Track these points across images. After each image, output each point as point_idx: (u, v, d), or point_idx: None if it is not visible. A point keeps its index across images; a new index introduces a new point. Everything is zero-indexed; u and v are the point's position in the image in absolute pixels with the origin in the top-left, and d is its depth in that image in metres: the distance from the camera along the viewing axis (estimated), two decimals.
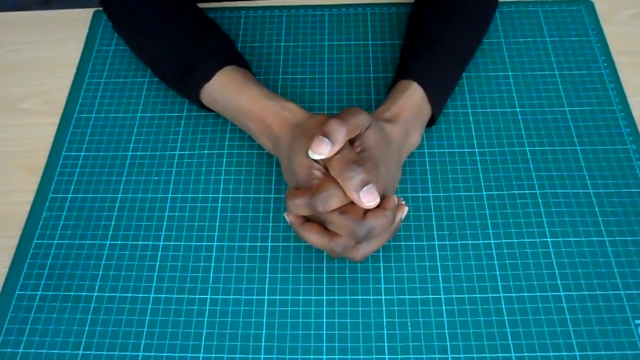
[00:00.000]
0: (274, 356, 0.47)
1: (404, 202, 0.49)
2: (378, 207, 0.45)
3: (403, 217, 0.48)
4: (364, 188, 0.43)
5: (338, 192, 0.44)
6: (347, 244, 0.45)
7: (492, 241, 0.51)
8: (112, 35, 0.68)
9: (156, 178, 0.57)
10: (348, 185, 0.43)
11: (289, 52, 0.65)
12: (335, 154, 0.45)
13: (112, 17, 0.64)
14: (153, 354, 0.47)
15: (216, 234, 0.53)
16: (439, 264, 0.51)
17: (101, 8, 0.65)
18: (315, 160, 0.46)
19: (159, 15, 0.59)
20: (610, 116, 0.59)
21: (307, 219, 0.47)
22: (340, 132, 0.44)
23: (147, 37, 0.59)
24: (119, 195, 0.55)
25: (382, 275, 0.50)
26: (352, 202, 0.45)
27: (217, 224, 0.54)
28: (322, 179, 0.46)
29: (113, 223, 0.54)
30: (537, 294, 0.49)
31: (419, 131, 0.53)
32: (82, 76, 0.64)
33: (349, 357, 0.46)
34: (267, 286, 0.50)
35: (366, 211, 0.45)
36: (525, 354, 0.46)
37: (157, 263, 0.52)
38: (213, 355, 0.47)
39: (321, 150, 0.44)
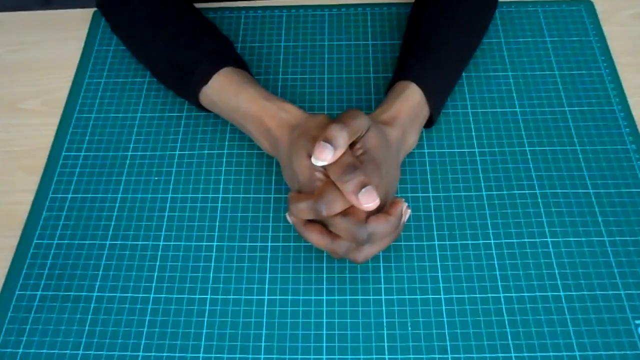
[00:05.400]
0: (274, 356, 0.47)
1: (406, 205, 0.48)
2: (383, 211, 0.45)
3: (405, 220, 0.48)
4: (363, 190, 0.43)
5: (341, 195, 0.44)
6: (349, 246, 0.45)
7: (492, 241, 0.51)
8: (112, 35, 0.68)
9: (156, 178, 0.57)
10: (346, 188, 0.43)
11: (289, 52, 0.65)
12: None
13: (109, 20, 0.64)
14: (153, 354, 0.47)
15: (216, 234, 0.53)
16: (439, 264, 0.51)
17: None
18: None
19: (156, 18, 0.59)
20: (610, 116, 0.59)
21: (309, 220, 0.47)
22: (342, 137, 0.44)
23: (143, 40, 0.59)
24: (119, 195, 0.56)
25: (382, 275, 0.50)
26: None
27: (217, 224, 0.54)
28: (324, 181, 0.46)
29: (113, 223, 0.54)
30: (537, 294, 0.49)
31: (417, 132, 0.53)
32: (82, 76, 0.64)
33: (349, 357, 0.46)
34: (267, 286, 0.50)
35: (369, 214, 0.45)
36: (525, 354, 0.46)
37: (157, 263, 0.52)
38: (213, 355, 0.47)
39: (324, 157, 0.44)
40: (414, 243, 0.52)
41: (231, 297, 0.50)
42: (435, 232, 0.52)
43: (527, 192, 0.54)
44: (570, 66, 0.63)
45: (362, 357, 0.46)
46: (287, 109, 0.51)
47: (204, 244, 0.52)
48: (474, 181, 0.55)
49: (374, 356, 0.46)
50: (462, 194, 0.54)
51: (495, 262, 0.50)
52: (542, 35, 0.65)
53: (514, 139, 0.58)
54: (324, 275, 0.51)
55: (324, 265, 0.51)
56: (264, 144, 0.53)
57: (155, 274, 0.51)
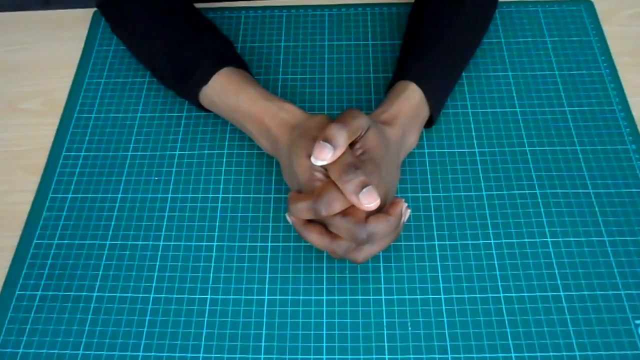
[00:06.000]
0: (274, 356, 0.47)
1: (406, 205, 0.48)
2: (383, 211, 0.45)
3: (405, 220, 0.48)
4: (364, 190, 0.43)
5: (341, 196, 0.44)
6: (348, 246, 0.45)
7: (492, 241, 0.51)
8: (112, 35, 0.68)
9: (156, 178, 0.57)
10: (347, 188, 0.43)
11: (289, 52, 0.65)
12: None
13: (109, 20, 0.64)
14: (153, 354, 0.47)
15: (216, 234, 0.53)
16: (439, 264, 0.51)
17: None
18: None
19: (156, 18, 0.59)
20: (610, 116, 0.59)
21: (309, 220, 0.47)
22: (342, 136, 0.44)
23: (144, 40, 0.59)
24: (119, 195, 0.56)
25: (382, 275, 0.50)
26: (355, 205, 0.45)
27: (217, 224, 0.54)
28: (324, 181, 0.46)
29: (113, 223, 0.54)
30: (537, 294, 0.49)
31: (417, 132, 0.53)
32: (82, 76, 0.64)
33: (349, 357, 0.46)
34: (267, 286, 0.50)
35: (369, 214, 0.45)
36: (525, 354, 0.46)
37: (157, 263, 0.52)
38: (213, 355, 0.47)
39: (324, 156, 0.44)
40: (414, 243, 0.52)
41: (231, 297, 0.50)
42: (435, 232, 0.52)
43: (527, 192, 0.54)
44: (570, 66, 0.63)
45: (362, 357, 0.46)
46: (287, 109, 0.51)
47: (204, 244, 0.52)
48: (474, 181, 0.55)
49: (374, 356, 0.46)
50: (462, 194, 0.54)
51: (495, 262, 0.50)
52: (542, 35, 0.65)
53: (514, 139, 0.58)
54: (324, 275, 0.51)
55: (324, 265, 0.51)
56: (264, 144, 0.53)
57: (155, 274, 0.51)
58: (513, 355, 0.46)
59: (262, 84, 0.63)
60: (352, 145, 0.47)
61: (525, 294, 0.49)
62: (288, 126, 0.50)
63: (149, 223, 0.54)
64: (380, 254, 0.51)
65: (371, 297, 0.49)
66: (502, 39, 0.65)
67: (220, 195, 0.55)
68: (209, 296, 0.50)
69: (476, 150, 0.57)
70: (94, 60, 0.66)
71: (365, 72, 0.63)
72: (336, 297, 0.49)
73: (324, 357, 0.47)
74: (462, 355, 0.46)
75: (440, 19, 0.58)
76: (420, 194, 0.54)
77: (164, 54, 0.57)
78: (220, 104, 0.54)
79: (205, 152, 0.58)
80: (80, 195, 0.56)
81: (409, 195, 0.54)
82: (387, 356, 0.46)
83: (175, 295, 0.50)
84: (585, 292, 0.49)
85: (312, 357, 0.47)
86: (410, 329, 0.47)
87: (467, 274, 0.50)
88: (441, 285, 0.49)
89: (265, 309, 0.49)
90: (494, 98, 0.61)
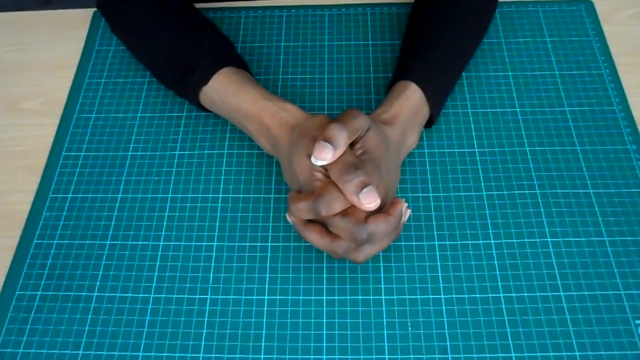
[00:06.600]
0: (274, 356, 0.47)
1: (406, 205, 0.49)
2: (383, 211, 0.45)
3: (405, 220, 0.48)
4: (364, 190, 0.43)
5: (341, 196, 0.44)
6: (348, 246, 0.45)
7: (492, 241, 0.51)
8: (112, 35, 0.68)
9: (156, 178, 0.57)
10: (347, 188, 0.43)
11: (289, 52, 0.65)
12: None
13: (109, 20, 0.64)
14: (153, 354, 0.47)
15: (216, 234, 0.53)
16: (439, 264, 0.51)
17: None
18: None
19: (156, 18, 0.59)
20: (610, 116, 0.59)
21: (309, 220, 0.47)
22: (342, 136, 0.44)
23: (144, 40, 0.59)
24: (119, 195, 0.56)
25: (382, 275, 0.50)
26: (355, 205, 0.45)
27: (217, 224, 0.54)
28: (323, 181, 0.46)
29: (113, 223, 0.54)
30: (537, 294, 0.49)
31: (417, 132, 0.53)
32: (82, 76, 0.64)
33: (349, 357, 0.46)
34: (267, 286, 0.50)
35: (369, 214, 0.45)
36: (525, 354, 0.46)
37: (157, 263, 0.52)
38: (213, 355, 0.47)
39: (324, 156, 0.44)
40: (414, 243, 0.52)
41: (231, 297, 0.50)
42: (435, 232, 0.52)
43: (527, 192, 0.54)
44: (570, 66, 0.63)
45: (362, 357, 0.46)
46: (288, 109, 0.51)
47: (204, 244, 0.52)
48: (474, 181, 0.55)
49: (374, 356, 0.46)
50: (462, 194, 0.54)
51: (495, 262, 0.50)
52: (542, 35, 0.65)
53: (514, 139, 0.58)
54: (324, 275, 0.51)
55: (324, 265, 0.51)
56: (264, 144, 0.53)
57: (155, 274, 0.51)
58: (513, 355, 0.46)
59: (262, 84, 0.63)
60: (352, 145, 0.47)
61: (525, 294, 0.49)
62: (288, 126, 0.50)
63: (149, 223, 0.54)
64: (380, 254, 0.51)
65: (371, 297, 0.49)
66: (502, 39, 0.65)
67: (220, 195, 0.55)
68: (209, 296, 0.50)
69: (476, 150, 0.57)
70: (94, 60, 0.66)
71: (365, 72, 0.63)
72: (336, 297, 0.49)
73: (324, 357, 0.47)
74: (462, 355, 0.46)
75: (440, 19, 0.58)
76: (420, 194, 0.54)
77: (164, 54, 0.57)
78: (220, 103, 0.54)
79: (205, 152, 0.58)
80: (80, 195, 0.56)
81: (409, 195, 0.54)
82: (387, 356, 0.46)
83: (175, 295, 0.50)
84: (585, 292, 0.49)
85: (312, 357, 0.47)
86: (410, 329, 0.47)
87: (467, 274, 0.50)
88: (441, 285, 0.49)
89: (265, 309, 0.49)
90: (494, 98, 0.61)
